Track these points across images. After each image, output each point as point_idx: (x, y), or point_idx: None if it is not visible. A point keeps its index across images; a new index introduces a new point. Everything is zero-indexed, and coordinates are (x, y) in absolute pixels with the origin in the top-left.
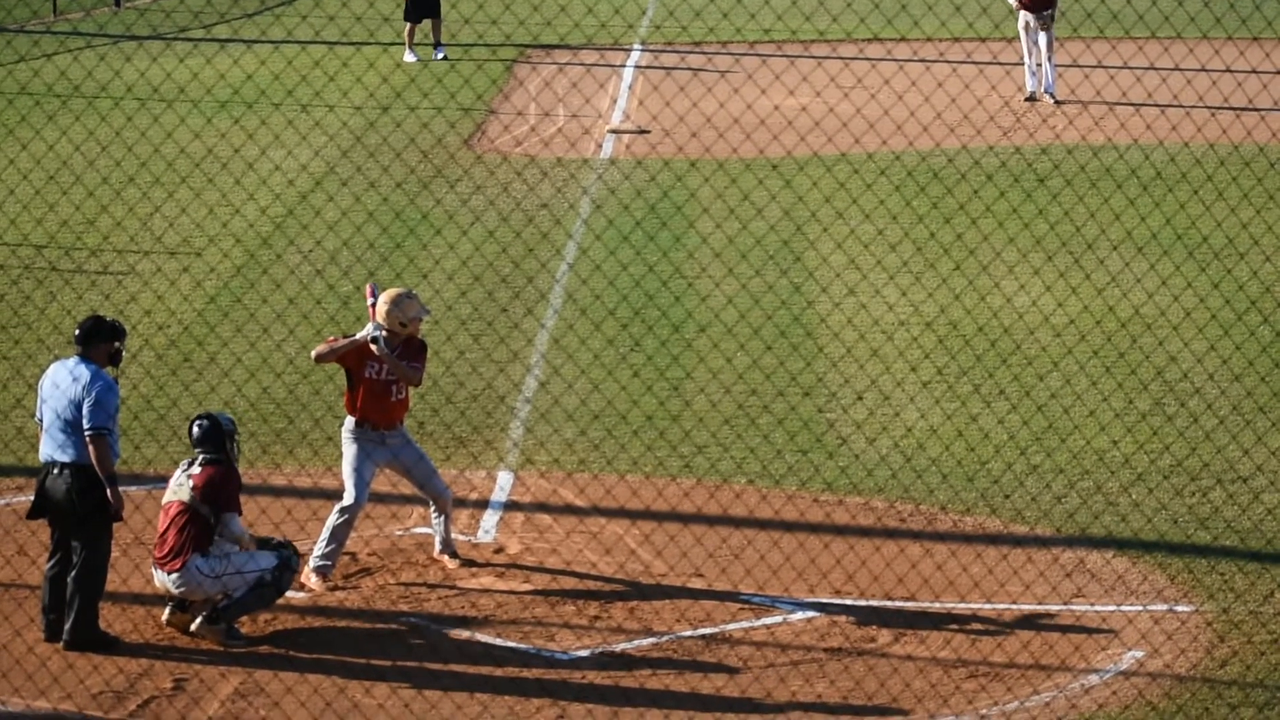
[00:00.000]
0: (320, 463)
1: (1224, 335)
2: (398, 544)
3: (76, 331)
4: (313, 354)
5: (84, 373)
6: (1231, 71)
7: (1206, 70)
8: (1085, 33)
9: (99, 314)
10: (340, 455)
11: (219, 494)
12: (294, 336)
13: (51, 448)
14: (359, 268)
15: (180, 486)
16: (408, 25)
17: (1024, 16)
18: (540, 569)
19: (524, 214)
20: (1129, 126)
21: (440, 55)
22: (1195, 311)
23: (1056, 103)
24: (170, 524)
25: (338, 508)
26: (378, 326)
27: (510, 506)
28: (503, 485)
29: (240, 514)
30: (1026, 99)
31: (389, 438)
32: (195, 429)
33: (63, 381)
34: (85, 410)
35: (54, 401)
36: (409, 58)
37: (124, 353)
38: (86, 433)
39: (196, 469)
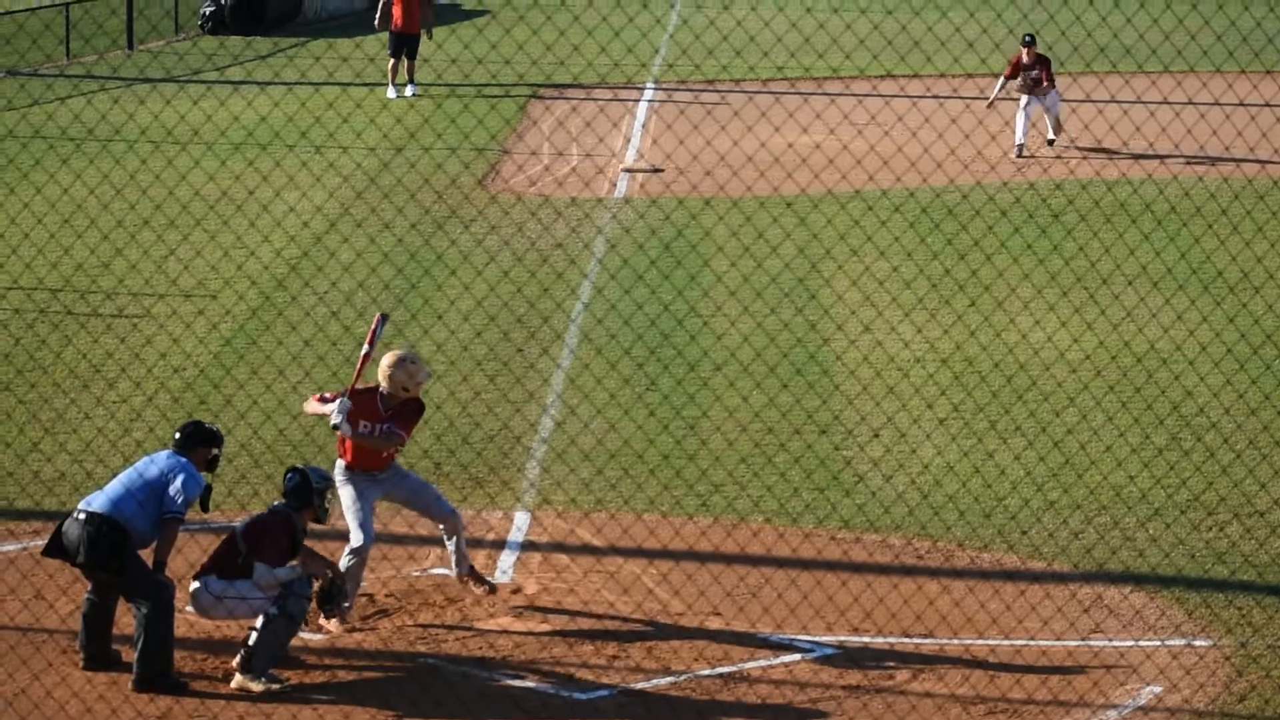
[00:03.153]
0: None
1: (1240, 369)
2: (415, 585)
3: (176, 434)
4: (303, 407)
5: (175, 462)
6: (1245, 105)
7: (1220, 104)
8: (1099, 67)
9: (198, 419)
10: None
11: (258, 541)
12: (310, 378)
13: (93, 497)
14: (373, 309)
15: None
16: (391, 61)
17: (1024, 98)
18: (557, 610)
19: (539, 254)
20: (1143, 161)
21: (411, 92)
22: (1211, 346)
23: (1050, 143)
24: (218, 545)
25: (347, 549)
26: (343, 411)
27: (527, 547)
28: (519, 525)
29: (272, 567)
30: (1017, 155)
31: (380, 475)
32: (285, 480)
33: (145, 464)
34: (168, 492)
35: (126, 471)
36: (391, 94)
37: (220, 459)
38: (164, 516)
39: (268, 512)
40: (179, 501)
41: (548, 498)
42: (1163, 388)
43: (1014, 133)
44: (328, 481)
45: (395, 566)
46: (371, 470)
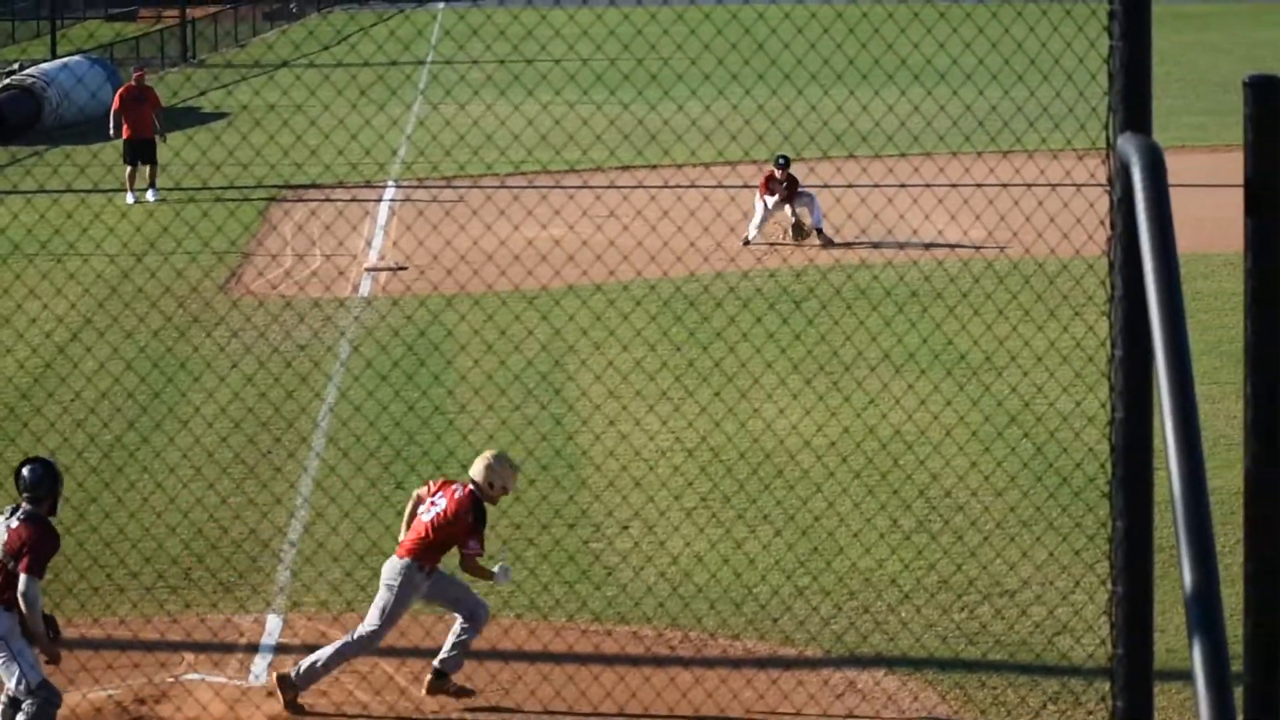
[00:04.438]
0: (88, 615)
1: (985, 451)
2: (168, 691)
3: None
4: (469, 570)
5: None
6: (981, 186)
7: (956, 186)
8: (835, 153)
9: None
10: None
11: (24, 552)
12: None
13: None
14: (119, 418)
15: None
16: (127, 169)
17: (771, 200)
18: (311, 713)
19: (282, 357)
20: (882, 248)
21: (152, 198)
22: (956, 429)
23: (828, 243)
24: None
25: (361, 633)
26: (506, 572)
27: (280, 650)
28: (271, 630)
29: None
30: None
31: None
32: (27, 474)
33: None
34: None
35: None
36: (130, 200)
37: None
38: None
39: (15, 521)
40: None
41: (298, 601)
42: (909, 472)
43: (751, 224)
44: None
45: (147, 674)
46: (427, 570)
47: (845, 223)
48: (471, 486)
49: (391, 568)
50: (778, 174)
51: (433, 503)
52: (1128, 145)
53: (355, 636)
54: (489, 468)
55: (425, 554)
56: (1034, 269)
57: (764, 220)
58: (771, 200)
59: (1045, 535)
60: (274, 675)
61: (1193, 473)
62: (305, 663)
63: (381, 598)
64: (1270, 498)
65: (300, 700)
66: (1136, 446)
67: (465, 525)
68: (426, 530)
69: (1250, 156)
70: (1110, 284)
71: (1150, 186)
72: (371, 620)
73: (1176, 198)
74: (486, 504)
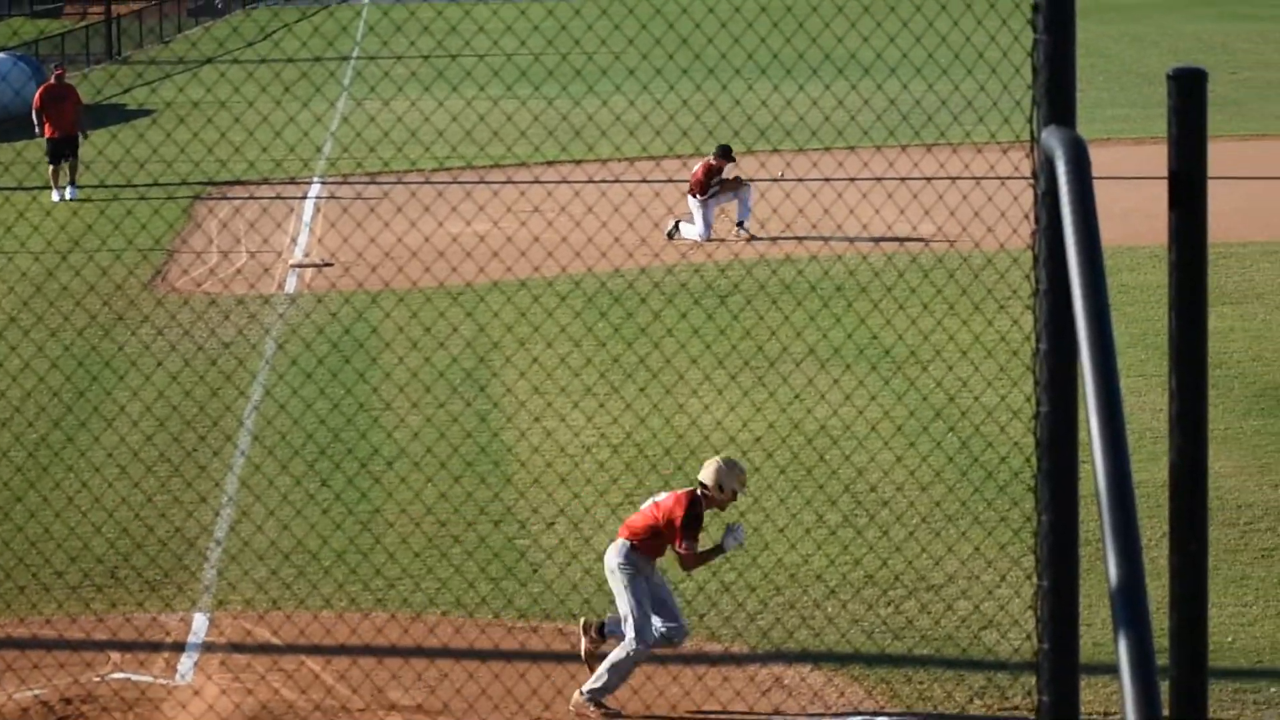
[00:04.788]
0: (13, 615)
1: (910, 446)
2: (94, 692)
3: None
4: (689, 569)
5: None
6: (905, 180)
7: (880, 180)
8: (760, 148)
9: None
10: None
11: None
12: None
13: None
14: (44, 417)
15: None
16: (50, 167)
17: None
18: (237, 711)
19: (207, 356)
20: (806, 242)
21: (70, 195)
22: (881, 424)
23: (751, 238)
24: None
25: (629, 634)
26: (735, 532)
27: (207, 649)
28: (197, 629)
29: None
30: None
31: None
32: None
33: None
34: None
35: None
36: (55, 197)
37: None
38: None
39: None
40: None
41: (224, 600)
42: (834, 467)
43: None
44: None
45: (72, 674)
46: (642, 552)
47: (770, 217)
48: (698, 488)
49: (610, 550)
50: (715, 162)
51: (657, 497)
52: (1051, 139)
53: (628, 640)
54: (719, 470)
55: (638, 537)
56: (959, 263)
57: (711, 215)
58: (712, 196)
59: (971, 530)
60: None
61: (1118, 467)
62: (592, 684)
63: (613, 585)
64: (1195, 491)
65: (228, 699)
66: (1061, 440)
67: (678, 521)
68: (640, 516)
69: (1174, 150)
70: (1035, 278)
71: (1074, 180)
72: (623, 611)
73: (1102, 191)
74: (711, 509)
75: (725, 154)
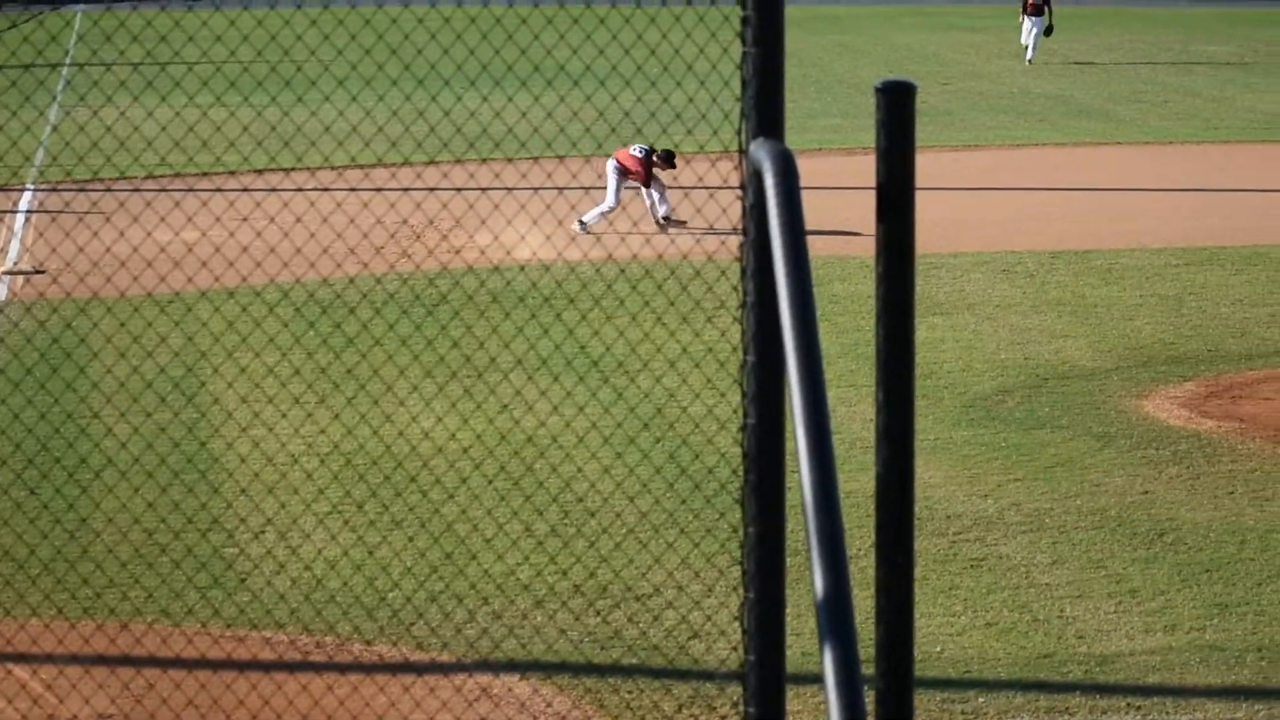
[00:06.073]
0: None
1: (619, 457)
2: None
3: None
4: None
5: None
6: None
7: (589, 190)
8: (469, 158)
9: None
10: None
11: None
12: None
13: None
14: None
15: None
16: None
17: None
18: None
19: None
20: (514, 253)
21: None
22: (589, 434)
23: (676, 222)
24: None
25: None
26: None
27: None
28: None
29: None
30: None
31: None
32: None
33: None
34: None
35: None
36: None
37: None
38: None
39: None
40: None
41: None
42: (542, 477)
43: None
44: None
45: None
46: None
47: (479, 228)
48: None
49: None
50: (657, 162)
51: None
52: (760, 151)
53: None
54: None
55: None
56: (668, 274)
57: (623, 193)
58: (646, 187)
59: (679, 540)
60: None
61: (824, 479)
62: None
63: None
64: (900, 503)
65: None
66: (769, 452)
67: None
68: None
69: (882, 162)
70: (742, 290)
71: (782, 192)
72: None
73: (812, 201)
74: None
75: (668, 159)
